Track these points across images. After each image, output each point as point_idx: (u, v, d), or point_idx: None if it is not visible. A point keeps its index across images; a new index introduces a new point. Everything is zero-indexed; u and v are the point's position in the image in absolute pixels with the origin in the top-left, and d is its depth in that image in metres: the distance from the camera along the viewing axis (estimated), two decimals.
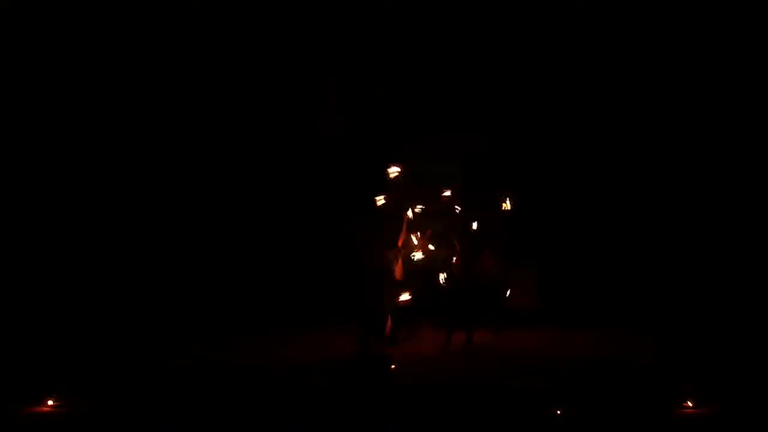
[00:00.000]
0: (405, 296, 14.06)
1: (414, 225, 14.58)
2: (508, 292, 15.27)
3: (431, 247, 14.71)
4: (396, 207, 14.51)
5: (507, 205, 14.75)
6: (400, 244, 14.58)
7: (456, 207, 14.75)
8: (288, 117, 18.19)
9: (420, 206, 14.51)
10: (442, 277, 14.62)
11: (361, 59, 17.94)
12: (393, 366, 10.74)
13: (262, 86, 18.12)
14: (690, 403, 10.07)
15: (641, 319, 16.30)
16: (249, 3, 18.13)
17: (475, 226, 14.65)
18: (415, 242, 14.54)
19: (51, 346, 13.54)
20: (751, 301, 16.54)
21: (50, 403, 9.98)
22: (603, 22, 18.14)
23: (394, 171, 14.59)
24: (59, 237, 17.21)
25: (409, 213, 14.58)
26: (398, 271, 14.41)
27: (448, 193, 14.78)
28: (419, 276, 14.92)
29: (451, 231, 14.72)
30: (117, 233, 17.46)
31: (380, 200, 14.43)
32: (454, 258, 14.60)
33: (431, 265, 14.67)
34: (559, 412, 9.59)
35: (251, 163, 18.05)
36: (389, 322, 14.14)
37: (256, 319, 16.30)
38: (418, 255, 14.39)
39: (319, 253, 17.61)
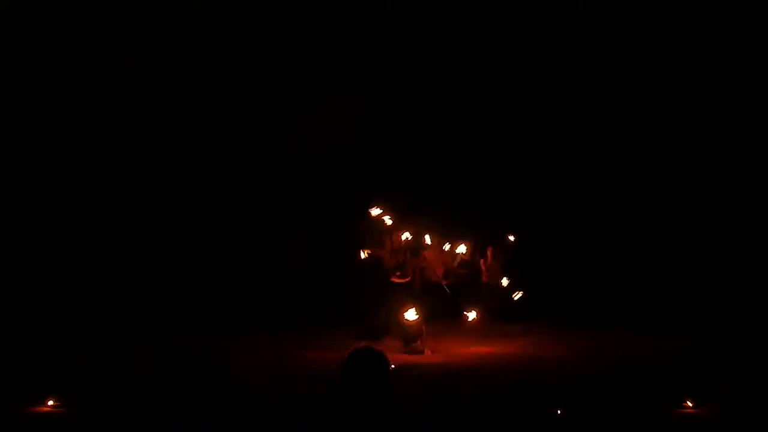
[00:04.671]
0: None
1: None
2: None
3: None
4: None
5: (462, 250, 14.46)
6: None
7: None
8: (285, 120, 18.20)
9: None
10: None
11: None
12: (392, 366, 10.72)
13: (262, 88, 18.12)
14: (690, 403, 10.08)
15: (641, 320, 16.30)
16: (249, 3, 18.14)
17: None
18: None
19: (50, 346, 13.53)
20: (750, 302, 16.55)
21: (50, 403, 9.97)
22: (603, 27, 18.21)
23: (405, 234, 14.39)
24: (58, 237, 17.20)
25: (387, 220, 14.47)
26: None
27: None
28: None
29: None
30: (117, 233, 17.45)
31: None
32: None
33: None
34: (559, 412, 9.59)
35: (250, 165, 18.06)
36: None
37: (255, 319, 16.30)
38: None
39: (318, 255, 17.62)
